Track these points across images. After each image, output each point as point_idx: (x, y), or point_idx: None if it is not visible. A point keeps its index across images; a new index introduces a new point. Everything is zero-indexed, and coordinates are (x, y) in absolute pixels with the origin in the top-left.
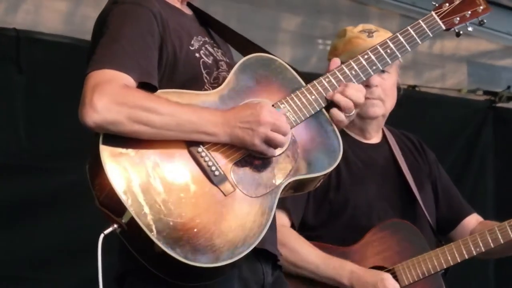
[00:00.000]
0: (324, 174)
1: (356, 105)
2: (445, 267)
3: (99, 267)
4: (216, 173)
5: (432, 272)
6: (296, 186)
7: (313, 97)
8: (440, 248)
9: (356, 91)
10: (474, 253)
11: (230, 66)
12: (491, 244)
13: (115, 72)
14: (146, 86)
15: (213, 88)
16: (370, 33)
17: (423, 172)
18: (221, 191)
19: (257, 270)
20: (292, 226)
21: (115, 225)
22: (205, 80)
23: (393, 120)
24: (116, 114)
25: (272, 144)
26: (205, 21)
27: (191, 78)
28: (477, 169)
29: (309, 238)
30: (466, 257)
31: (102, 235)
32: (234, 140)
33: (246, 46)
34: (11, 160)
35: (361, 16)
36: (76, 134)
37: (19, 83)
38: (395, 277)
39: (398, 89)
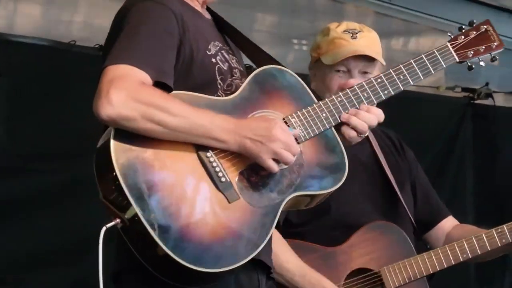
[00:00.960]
0: (328, 193)
1: (369, 127)
2: (431, 272)
3: (99, 260)
4: (223, 179)
5: (419, 277)
6: (300, 202)
7: (324, 115)
8: (427, 253)
9: (371, 115)
10: (461, 259)
11: (243, 75)
12: (478, 251)
13: (133, 68)
14: (162, 86)
15: (226, 95)
16: (354, 34)
17: (402, 171)
18: (226, 197)
19: (252, 278)
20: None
21: (118, 220)
22: (219, 86)
23: None
24: (130, 111)
25: (279, 160)
26: (222, 27)
27: (205, 83)
28: (457, 165)
29: (293, 235)
30: (453, 263)
31: (104, 228)
32: (243, 150)
33: (259, 56)
34: None
35: (337, 14)
36: (57, 135)
37: None
38: (381, 280)
39: None
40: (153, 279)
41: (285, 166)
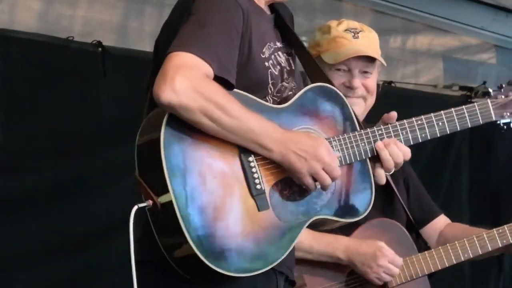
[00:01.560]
0: (347, 223)
1: (396, 164)
2: (433, 270)
3: (131, 241)
4: (258, 186)
5: (420, 275)
6: (320, 224)
7: (363, 144)
8: (428, 251)
9: (399, 152)
10: (462, 258)
11: (291, 74)
12: (479, 251)
13: (199, 60)
14: (223, 82)
15: (275, 100)
16: (355, 34)
17: (395, 171)
18: (257, 204)
19: (271, 281)
20: None
21: (150, 202)
22: (269, 91)
23: (369, 116)
24: (191, 101)
25: (318, 180)
26: (280, 27)
27: (257, 85)
28: (453, 164)
29: None
30: (454, 262)
31: (136, 207)
32: (285, 162)
33: (312, 69)
34: None
35: (335, 12)
36: (54, 131)
37: None
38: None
39: (378, 85)
40: (174, 274)
41: (320, 187)
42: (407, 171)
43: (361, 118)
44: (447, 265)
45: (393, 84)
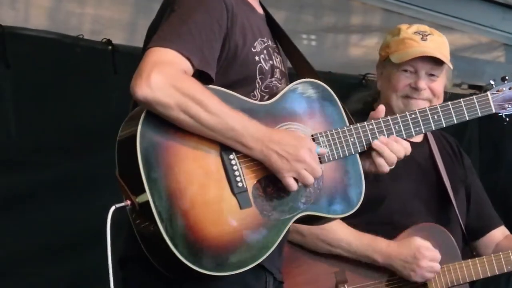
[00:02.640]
0: (336, 218)
1: (398, 159)
2: (474, 279)
3: (108, 241)
4: (239, 184)
5: (462, 282)
6: (307, 220)
7: (352, 139)
8: (472, 259)
9: (401, 147)
10: (505, 270)
11: (283, 76)
12: None
13: (178, 55)
14: (203, 75)
15: (262, 95)
16: (424, 36)
17: (458, 176)
18: (239, 202)
19: (260, 278)
20: None
21: (128, 202)
22: (257, 85)
23: None
24: (167, 97)
25: (299, 180)
26: (271, 25)
27: (244, 79)
28: None
29: None
30: (497, 272)
31: (113, 207)
32: (267, 161)
33: (302, 65)
34: (1, 154)
35: (344, 10)
36: (63, 128)
37: (7, 78)
38: (425, 283)
39: (445, 92)
40: (157, 271)
41: (302, 186)
42: (470, 179)
43: None
44: (489, 275)
45: None
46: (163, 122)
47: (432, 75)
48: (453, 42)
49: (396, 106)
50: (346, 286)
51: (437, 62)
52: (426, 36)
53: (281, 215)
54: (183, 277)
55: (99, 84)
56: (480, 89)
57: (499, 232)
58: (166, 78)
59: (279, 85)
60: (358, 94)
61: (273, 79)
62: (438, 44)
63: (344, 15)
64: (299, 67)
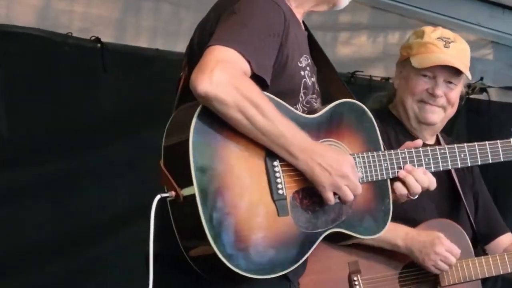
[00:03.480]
0: (362, 239)
1: (422, 189)
2: (487, 275)
3: (151, 230)
4: (280, 191)
5: (474, 278)
6: (335, 237)
7: (385, 165)
8: (485, 256)
9: (426, 179)
10: None
11: (318, 95)
12: None
13: (240, 56)
14: (259, 80)
15: (304, 108)
16: (447, 43)
17: (467, 182)
18: (277, 209)
19: (283, 285)
20: None
21: (173, 193)
22: (300, 99)
23: None
24: (227, 95)
25: (340, 195)
26: (311, 44)
27: (290, 91)
28: None
29: None
30: (509, 270)
31: (158, 196)
32: (309, 173)
33: (337, 85)
34: None
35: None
36: (52, 126)
37: None
38: (437, 275)
39: (461, 97)
40: (186, 269)
41: (339, 202)
42: (478, 186)
43: (439, 127)
44: (501, 273)
45: (390, 80)
46: (216, 119)
47: (450, 82)
48: None
49: (411, 108)
50: (359, 276)
51: (456, 70)
52: (449, 43)
53: (314, 228)
54: (213, 274)
55: (88, 82)
56: (469, 86)
57: (507, 238)
58: (228, 76)
59: (315, 103)
60: (374, 95)
61: (313, 96)
62: (460, 52)
63: (332, 13)
64: (334, 88)
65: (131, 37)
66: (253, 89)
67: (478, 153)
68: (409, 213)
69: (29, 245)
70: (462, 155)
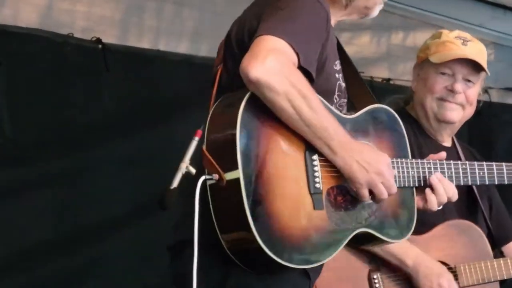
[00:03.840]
0: (387, 242)
1: (448, 199)
2: (505, 278)
3: (195, 214)
4: (317, 185)
5: (492, 280)
6: (362, 238)
7: (413, 172)
8: (504, 258)
9: (452, 188)
10: None
11: (347, 101)
12: None
13: (289, 48)
14: (304, 74)
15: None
16: (465, 41)
17: (482, 187)
18: (313, 202)
19: (306, 285)
20: None
21: (216, 176)
22: (334, 101)
23: None
24: (278, 83)
25: (375, 192)
26: (340, 51)
27: (326, 91)
28: None
29: None
30: None
31: (202, 178)
32: (346, 169)
33: (362, 93)
34: None
35: None
36: (54, 126)
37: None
38: (455, 275)
39: (478, 101)
40: (214, 255)
41: (371, 201)
42: (491, 191)
43: (457, 126)
44: None
45: (391, 81)
46: (263, 108)
47: (468, 80)
48: None
49: (430, 107)
50: (379, 274)
51: (474, 68)
52: (467, 42)
53: (345, 226)
54: (246, 258)
55: (90, 82)
56: None
57: None
58: (280, 65)
59: (345, 108)
60: (391, 97)
61: (345, 100)
62: (477, 51)
63: None
64: (357, 94)
65: (133, 36)
66: (302, 81)
67: (495, 173)
68: (428, 215)
69: (30, 243)
70: (481, 173)
